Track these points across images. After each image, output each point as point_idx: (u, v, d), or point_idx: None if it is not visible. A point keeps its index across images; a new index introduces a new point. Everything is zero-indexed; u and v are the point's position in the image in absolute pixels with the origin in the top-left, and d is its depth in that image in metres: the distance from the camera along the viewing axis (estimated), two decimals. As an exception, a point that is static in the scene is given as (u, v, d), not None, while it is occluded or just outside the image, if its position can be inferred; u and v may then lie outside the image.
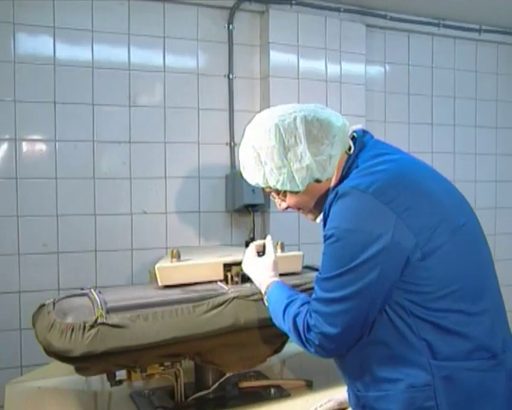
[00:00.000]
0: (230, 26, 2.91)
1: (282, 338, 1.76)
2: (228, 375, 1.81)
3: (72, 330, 1.45)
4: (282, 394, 1.81)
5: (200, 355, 1.68)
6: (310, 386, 1.86)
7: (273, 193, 1.39)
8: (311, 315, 1.24)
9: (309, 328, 1.24)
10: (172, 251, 1.76)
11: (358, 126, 1.39)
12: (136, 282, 2.73)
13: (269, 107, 3.09)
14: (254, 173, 1.33)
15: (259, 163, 1.30)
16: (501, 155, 3.68)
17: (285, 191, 1.34)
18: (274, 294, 1.43)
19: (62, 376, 1.88)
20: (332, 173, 1.31)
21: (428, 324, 1.18)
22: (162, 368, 1.68)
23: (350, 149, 1.32)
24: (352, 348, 1.25)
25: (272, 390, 1.82)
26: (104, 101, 2.69)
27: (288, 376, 2.05)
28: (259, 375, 1.93)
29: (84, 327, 1.45)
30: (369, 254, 1.15)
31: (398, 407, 1.20)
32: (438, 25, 3.39)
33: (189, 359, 1.70)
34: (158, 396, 1.78)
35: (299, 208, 1.39)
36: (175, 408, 1.72)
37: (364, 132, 1.37)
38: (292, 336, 1.31)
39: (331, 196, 1.24)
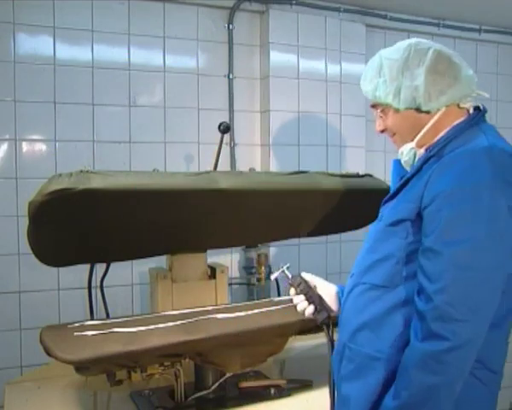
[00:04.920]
0: (230, 26, 2.91)
1: (282, 338, 1.77)
2: (228, 375, 1.81)
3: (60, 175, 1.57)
4: (282, 394, 1.81)
5: (200, 355, 1.68)
6: (310, 386, 1.86)
7: (375, 108, 1.41)
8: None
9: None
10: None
11: (485, 95, 1.37)
12: (136, 282, 2.73)
13: (269, 107, 3.10)
14: (369, 82, 1.37)
15: (378, 74, 1.35)
16: (501, 155, 3.67)
17: (386, 109, 1.36)
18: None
19: (62, 376, 1.88)
20: (435, 109, 1.31)
21: None
22: (162, 368, 1.68)
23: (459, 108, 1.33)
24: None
25: (272, 390, 1.82)
26: (104, 101, 2.69)
27: (288, 376, 2.05)
28: (259, 375, 1.94)
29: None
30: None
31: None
32: (438, 25, 3.39)
33: (189, 359, 1.70)
34: (158, 396, 1.78)
35: (394, 133, 1.39)
36: (175, 408, 1.73)
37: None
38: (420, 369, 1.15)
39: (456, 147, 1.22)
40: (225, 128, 2.25)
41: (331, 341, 1.43)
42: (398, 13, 3.25)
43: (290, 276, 1.51)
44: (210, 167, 2.51)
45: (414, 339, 1.17)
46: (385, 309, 1.25)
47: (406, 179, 1.32)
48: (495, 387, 1.28)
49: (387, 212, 1.33)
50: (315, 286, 1.50)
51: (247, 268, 2.87)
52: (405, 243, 1.24)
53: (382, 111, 1.38)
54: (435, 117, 1.32)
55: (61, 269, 2.56)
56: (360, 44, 3.14)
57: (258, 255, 2.82)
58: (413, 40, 1.35)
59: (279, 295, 2.68)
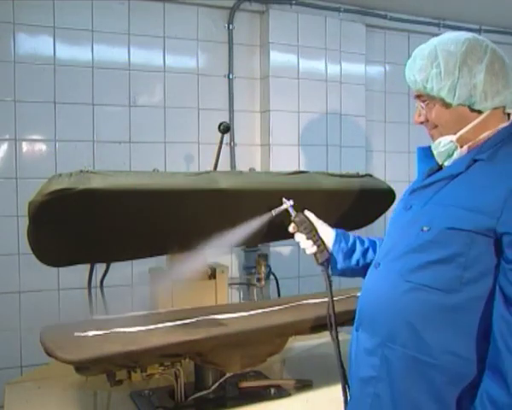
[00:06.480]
0: (230, 26, 2.91)
1: (282, 338, 1.76)
2: (228, 375, 1.81)
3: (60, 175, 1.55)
4: (282, 394, 1.81)
5: (200, 355, 1.68)
6: (310, 386, 1.86)
7: (420, 99, 1.34)
8: None
9: None
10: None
11: None
12: (135, 282, 2.73)
13: (269, 107, 3.10)
14: (419, 71, 1.30)
15: (431, 64, 1.28)
16: (501, 155, 3.67)
17: (433, 102, 1.30)
18: None
19: (62, 376, 1.88)
20: (488, 109, 1.27)
21: None
22: (162, 368, 1.68)
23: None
24: None
25: (272, 390, 1.82)
26: (104, 101, 2.69)
27: (288, 376, 2.05)
28: (259, 375, 1.93)
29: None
30: None
31: None
32: (438, 25, 3.39)
33: (189, 359, 1.70)
34: (158, 396, 1.78)
35: (435, 126, 1.33)
36: (175, 408, 1.72)
37: None
38: None
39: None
40: (225, 128, 2.25)
41: (329, 280, 1.51)
42: (398, 13, 3.25)
43: (293, 214, 1.54)
44: (210, 167, 2.51)
45: None
46: (437, 312, 1.22)
47: (449, 176, 1.27)
48: None
49: (429, 210, 1.27)
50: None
51: (247, 268, 2.87)
52: (469, 249, 1.19)
53: (426, 102, 1.32)
54: (482, 116, 1.28)
55: (61, 269, 2.56)
56: (360, 44, 3.14)
57: (258, 255, 2.82)
58: (469, 34, 1.30)
59: (279, 295, 2.69)
